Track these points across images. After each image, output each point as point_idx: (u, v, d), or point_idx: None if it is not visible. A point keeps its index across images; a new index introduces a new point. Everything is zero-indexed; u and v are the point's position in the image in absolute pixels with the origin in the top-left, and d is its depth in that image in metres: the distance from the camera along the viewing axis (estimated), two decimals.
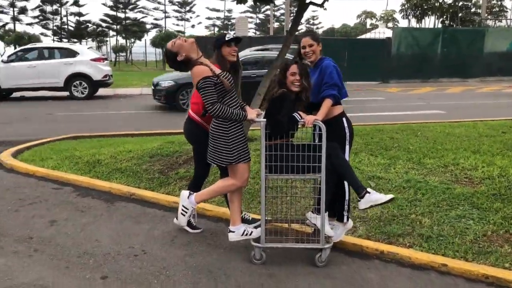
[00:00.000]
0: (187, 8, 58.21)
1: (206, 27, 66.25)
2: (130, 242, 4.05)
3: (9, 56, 15.36)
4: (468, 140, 6.90)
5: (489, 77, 23.47)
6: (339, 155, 3.59)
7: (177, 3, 57.20)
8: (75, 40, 45.04)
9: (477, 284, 3.38)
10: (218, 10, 65.83)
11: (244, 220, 4.11)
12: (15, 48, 29.72)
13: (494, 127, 8.14)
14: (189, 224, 4.24)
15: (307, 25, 76.96)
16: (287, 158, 3.51)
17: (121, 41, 51.34)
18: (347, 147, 3.79)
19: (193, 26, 65.07)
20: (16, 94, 16.37)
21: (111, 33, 49.73)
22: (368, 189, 3.62)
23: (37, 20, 48.15)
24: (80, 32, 46.43)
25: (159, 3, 55.21)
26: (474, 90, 18.84)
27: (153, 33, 49.01)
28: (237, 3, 7.74)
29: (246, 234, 3.77)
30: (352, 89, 20.10)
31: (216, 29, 64.50)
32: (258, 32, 65.82)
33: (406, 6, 41.29)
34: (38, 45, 16.46)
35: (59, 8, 46.28)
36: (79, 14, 49.18)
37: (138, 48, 52.09)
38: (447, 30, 22.78)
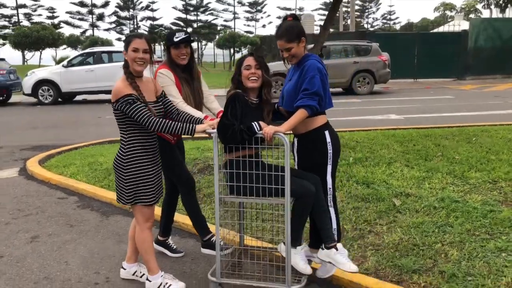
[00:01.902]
0: (257, 8, 58.30)
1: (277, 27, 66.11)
2: (100, 266, 3.63)
3: (69, 61, 15.92)
4: None
5: None
6: (303, 201, 2.86)
7: (247, 4, 57.50)
8: None
9: None
10: (289, 9, 65.20)
11: (212, 246, 3.48)
12: None
13: None
14: (166, 246, 3.74)
15: (384, 21, 74.11)
16: (250, 177, 2.86)
17: (193, 44, 52.58)
18: (329, 167, 3.05)
19: (263, 26, 65.04)
20: (78, 98, 17.05)
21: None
22: (338, 245, 3.00)
23: (113, 25, 50.64)
24: (153, 36, 48.11)
25: (229, 4, 55.77)
26: None
27: (221, 35, 49.56)
28: None
29: (164, 287, 3.16)
30: (421, 86, 18.69)
31: None
32: (331, 30, 64.42)
33: None
34: (96, 49, 16.91)
35: (134, 13, 48.25)
36: (152, 19, 51.09)
37: (208, 50, 53.20)
38: None
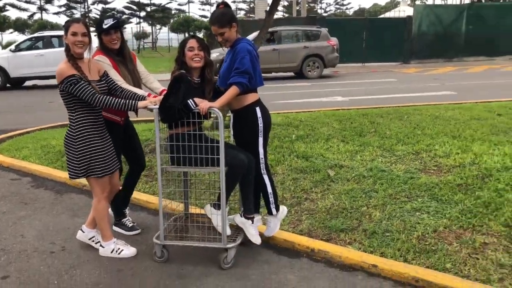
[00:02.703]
0: None
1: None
2: (55, 238, 3.88)
3: (17, 45, 15.52)
4: (455, 124, 6.38)
5: None
6: (234, 170, 3.23)
7: None
8: None
9: None
10: None
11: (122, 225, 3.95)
12: None
13: (494, 108, 7.54)
14: (122, 226, 4.01)
15: (337, 6, 75.24)
16: (188, 149, 3.20)
17: (146, 27, 51.59)
18: (260, 139, 3.41)
19: None
20: (29, 83, 16.67)
21: (136, 20, 49.97)
22: (255, 218, 3.47)
23: (63, 9, 48.91)
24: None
25: None
26: (498, 69, 17.81)
27: (175, 19, 48.84)
28: None
29: (116, 252, 3.50)
30: (368, 70, 19.47)
31: (243, 12, 63.93)
32: (286, 15, 64.80)
33: None
34: (45, 33, 16.55)
35: None
36: (104, 2, 49.65)
37: (163, 34, 52.39)
38: (473, 6, 21.59)
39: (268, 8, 7.20)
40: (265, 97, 12.35)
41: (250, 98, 3.36)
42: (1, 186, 5.28)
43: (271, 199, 3.54)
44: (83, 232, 3.69)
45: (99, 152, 3.31)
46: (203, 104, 3.11)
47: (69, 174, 3.37)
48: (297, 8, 34.72)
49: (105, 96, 3.19)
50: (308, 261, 3.41)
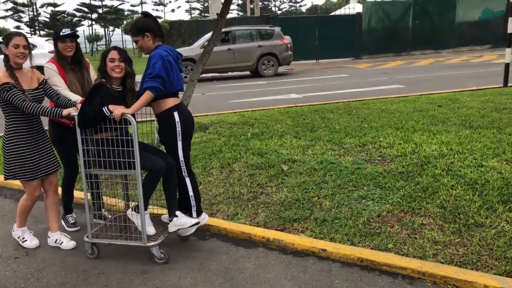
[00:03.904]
0: None
1: (186, 11, 65.37)
2: (19, 244, 3.96)
3: None
4: (399, 116, 6.82)
5: (462, 47, 23.39)
6: (151, 175, 3.44)
7: None
8: (51, 31, 44.27)
9: (352, 268, 3.32)
10: None
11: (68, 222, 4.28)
12: None
13: (435, 100, 8.06)
14: (65, 221, 4.30)
15: (290, 3, 76.21)
16: (108, 153, 3.40)
17: (99, 29, 50.57)
18: (179, 143, 3.58)
19: (172, 10, 64.01)
20: None
21: (88, 22, 48.90)
22: (177, 213, 3.58)
23: (10, 13, 47.25)
24: (55, 23, 45.66)
25: None
26: (443, 61, 18.74)
27: (129, 21, 48.15)
28: None
29: (20, 239, 3.90)
30: (321, 67, 20.01)
31: (197, 12, 63.70)
32: (241, 13, 65.04)
33: None
34: None
35: (32, 0, 45.39)
36: (54, 5, 48.34)
37: (116, 36, 51.48)
38: (418, 2, 22.49)
39: (219, 11, 7.42)
40: (222, 97, 12.63)
41: (169, 102, 3.54)
42: None
43: (192, 202, 3.72)
44: (49, 237, 3.92)
45: (27, 157, 3.57)
46: (117, 111, 3.27)
47: (4, 175, 3.65)
48: (251, 6, 35.06)
49: (34, 104, 3.44)
50: (264, 250, 3.67)
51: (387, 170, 4.74)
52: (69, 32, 3.80)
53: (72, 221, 4.29)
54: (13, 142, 3.53)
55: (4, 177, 3.64)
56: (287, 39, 16.98)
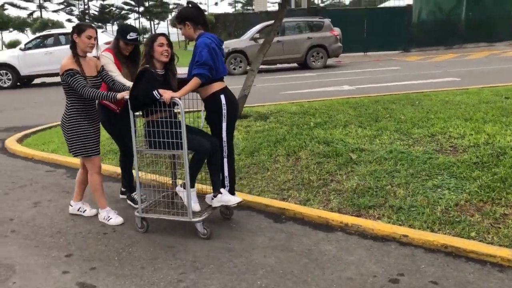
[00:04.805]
0: None
1: (230, 4, 65.67)
2: (103, 222, 4.17)
3: (26, 44, 15.74)
4: (465, 107, 6.68)
5: None
6: (198, 155, 3.64)
7: None
8: (100, 24, 45.61)
9: (436, 254, 3.32)
10: None
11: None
12: None
13: (500, 92, 7.83)
14: (131, 200, 4.54)
15: None
16: (161, 134, 3.60)
17: (145, 22, 51.62)
18: (223, 124, 3.78)
19: (216, 4, 64.54)
20: (37, 81, 16.91)
21: (135, 15, 50.02)
22: (221, 190, 3.81)
23: (62, 6, 48.93)
24: (104, 16, 46.96)
25: None
26: (498, 54, 18.08)
27: (174, 14, 48.86)
28: None
29: (105, 219, 4.13)
30: (370, 59, 19.74)
31: (239, 5, 63.89)
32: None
33: None
34: (53, 31, 16.75)
35: None
36: None
37: (162, 29, 52.44)
38: None
39: (280, 1, 7.47)
40: (273, 88, 12.76)
41: (216, 86, 3.74)
42: (39, 178, 5.57)
43: (226, 183, 3.90)
44: (72, 206, 4.34)
45: (87, 134, 3.93)
46: (166, 95, 3.48)
47: (70, 152, 4.06)
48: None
49: (92, 89, 3.76)
50: (343, 234, 3.72)
51: (460, 160, 4.67)
52: (134, 37, 4.09)
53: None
54: (74, 121, 3.88)
55: (72, 153, 4.03)
56: (337, 31, 16.84)
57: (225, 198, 3.80)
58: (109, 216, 4.12)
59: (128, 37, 4.05)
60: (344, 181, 4.61)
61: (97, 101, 4.13)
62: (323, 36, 16.55)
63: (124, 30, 4.13)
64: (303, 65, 16.90)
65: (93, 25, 4.10)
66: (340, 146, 5.39)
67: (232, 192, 3.95)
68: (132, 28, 4.22)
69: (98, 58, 4.07)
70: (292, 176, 4.88)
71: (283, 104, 8.43)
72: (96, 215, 4.26)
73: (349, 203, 4.16)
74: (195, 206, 3.76)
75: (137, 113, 3.68)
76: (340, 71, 15.65)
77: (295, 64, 17.48)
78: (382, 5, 28.70)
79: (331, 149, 5.34)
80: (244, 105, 7.47)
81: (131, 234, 3.89)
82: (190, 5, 3.81)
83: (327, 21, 16.97)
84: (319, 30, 16.72)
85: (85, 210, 4.32)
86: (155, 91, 3.48)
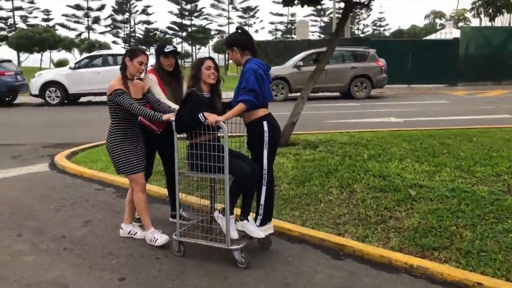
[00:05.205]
0: (251, 13, 58.90)
1: (270, 32, 66.64)
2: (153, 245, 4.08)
3: (76, 63, 16.27)
4: None
5: None
6: (238, 180, 3.57)
7: (240, 9, 58.07)
8: (144, 47, 47.04)
9: None
10: (281, 15, 65.98)
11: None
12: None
13: None
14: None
15: (374, 27, 75.28)
16: (203, 157, 3.58)
17: (187, 47, 52.89)
18: (265, 151, 3.69)
19: (256, 31, 65.58)
20: (83, 99, 17.39)
21: (177, 39, 51.37)
22: (249, 218, 3.76)
23: (109, 29, 50.84)
24: (148, 39, 48.41)
25: (223, 9, 56.33)
26: None
27: (216, 39, 49.99)
28: (283, 6, 7.73)
29: (152, 241, 4.06)
30: (414, 92, 19.38)
31: (279, 33, 64.72)
32: (322, 35, 65.27)
33: (477, 3, 38.84)
34: (102, 52, 17.28)
35: (129, 17, 48.60)
36: (148, 22, 51.43)
37: (203, 54, 53.58)
38: None
39: (333, 30, 7.39)
40: (316, 116, 12.62)
41: (259, 113, 3.69)
42: (89, 196, 5.57)
43: (260, 211, 3.77)
44: (122, 229, 4.28)
45: (132, 151, 3.98)
46: (211, 118, 3.48)
47: (116, 170, 4.12)
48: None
49: (139, 106, 3.85)
50: (408, 276, 3.48)
51: None
52: (172, 49, 4.14)
53: (137, 217, 4.42)
54: (118, 141, 3.94)
55: (117, 173, 4.15)
56: (382, 62, 16.65)
57: (250, 227, 3.72)
58: (155, 238, 4.06)
59: (166, 49, 4.13)
60: (404, 219, 4.37)
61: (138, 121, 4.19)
62: (368, 66, 16.40)
63: (161, 45, 4.23)
64: (346, 95, 16.73)
65: (146, 51, 4.16)
66: (397, 181, 5.16)
67: (266, 221, 3.82)
68: (168, 42, 4.41)
69: (142, 79, 4.14)
70: (347, 210, 4.68)
71: (332, 133, 8.26)
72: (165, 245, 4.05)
73: (411, 243, 3.92)
74: (234, 234, 3.68)
75: (179, 135, 3.70)
76: (384, 102, 15.38)
77: (337, 93, 17.33)
78: (428, 38, 28.29)
79: (388, 183, 5.11)
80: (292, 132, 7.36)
81: (183, 260, 3.76)
82: (239, 31, 3.85)
83: (372, 51, 16.83)
84: (364, 60, 16.59)
85: (136, 232, 4.25)
86: (201, 113, 3.50)
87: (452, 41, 22.19)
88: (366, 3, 6.55)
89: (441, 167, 5.50)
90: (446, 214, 4.34)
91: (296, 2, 7.66)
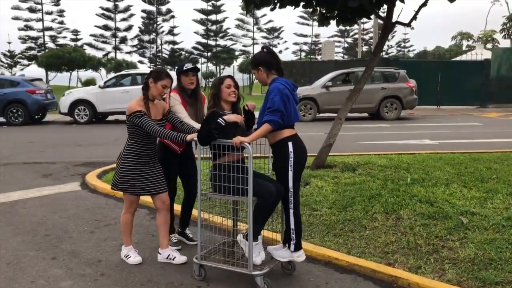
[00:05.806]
0: (275, 34, 59.32)
1: (293, 52, 66.89)
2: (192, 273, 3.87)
3: (105, 82, 16.43)
4: None
5: None
6: (263, 200, 3.44)
7: (265, 30, 58.53)
8: (169, 67, 47.70)
9: None
10: (305, 36, 66.24)
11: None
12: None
13: None
14: (184, 236, 4.58)
15: (398, 48, 74.85)
16: (227, 178, 3.47)
17: (211, 67, 53.41)
18: (290, 172, 3.54)
19: (280, 51, 65.82)
20: (111, 117, 17.52)
21: (202, 60, 51.98)
22: (279, 245, 3.70)
23: (135, 48, 51.78)
24: (174, 59, 49.10)
25: (248, 30, 56.89)
26: None
27: (241, 60, 50.39)
28: (319, 26, 7.62)
29: (170, 259, 4.05)
30: (444, 113, 18.95)
31: (303, 54, 64.90)
32: (346, 56, 65.22)
33: (508, 25, 38.19)
34: (131, 71, 17.44)
35: (156, 37, 49.49)
36: (174, 43, 52.17)
37: (227, 73, 54.09)
38: None
39: (373, 49, 7.21)
40: (347, 137, 12.35)
41: (285, 133, 3.56)
42: None
43: (293, 236, 3.60)
44: (160, 254, 4.12)
45: (138, 174, 3.88)
46: (235, 139, 3.37)
47: (112, 184, 4.05)
48: (362, 49, 34.86)
49: (161, 128, 3.80)
50: None
51: None
52: (191, 66, 4.13)
53: (174, 241, 4.44)
54: (129, 159, 3.87)
55: (113, 187, 4.03)
56: (413, 83, 16.36)
57: (281, 253, 3.63)
58: (129, 255, 4.09)
59: (185, 67, 4.12)
60: (458, 249, 4.08)
61: (158, 140, 4.11)
62: (398, 87, 16.11)
63: (180, 65, 4.23)
64: (375, 116, 16.43)
65: (171, 75, 4.04)
66: (447, 207, 4.87)
67: (298, 246, 3.65)
68: (187, 61, 4.27)
69: (164, 99, 4.05)
70: (395, 237, 4.40)
71: (368, 155, 8.00)
72: (186, 263, 4.00)
73: (470, 276, 3.62)
74: (257, 259, 3.50)
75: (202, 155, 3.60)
76: (414, 123, 15.03)
77: (365, 114, 17.04)
78: (457, 59, 27.85)
79: (437, 210, 4.83)
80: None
81: (222, 284, 3.55)
82: (264, 50, 3.75)
83: (402, 72, 16.55)
84: (394, 81, 16.31)
85: (175, 257, 4.07)
86: (220, 119, 3.44)
87: (483, 62, 21.74)
88: (407, 22, 6.35)
89: (493, 194, 5.19)
90: (505, 245, 4.04)
91: (331, 21, 7.54)
